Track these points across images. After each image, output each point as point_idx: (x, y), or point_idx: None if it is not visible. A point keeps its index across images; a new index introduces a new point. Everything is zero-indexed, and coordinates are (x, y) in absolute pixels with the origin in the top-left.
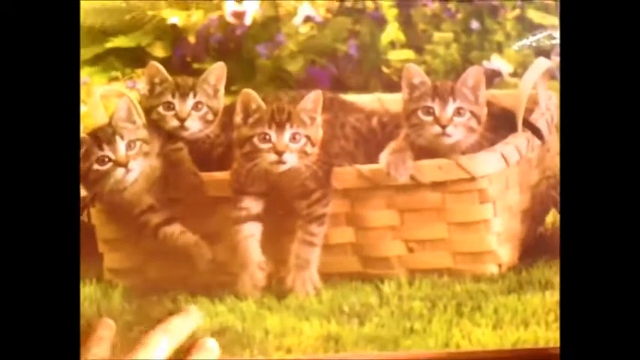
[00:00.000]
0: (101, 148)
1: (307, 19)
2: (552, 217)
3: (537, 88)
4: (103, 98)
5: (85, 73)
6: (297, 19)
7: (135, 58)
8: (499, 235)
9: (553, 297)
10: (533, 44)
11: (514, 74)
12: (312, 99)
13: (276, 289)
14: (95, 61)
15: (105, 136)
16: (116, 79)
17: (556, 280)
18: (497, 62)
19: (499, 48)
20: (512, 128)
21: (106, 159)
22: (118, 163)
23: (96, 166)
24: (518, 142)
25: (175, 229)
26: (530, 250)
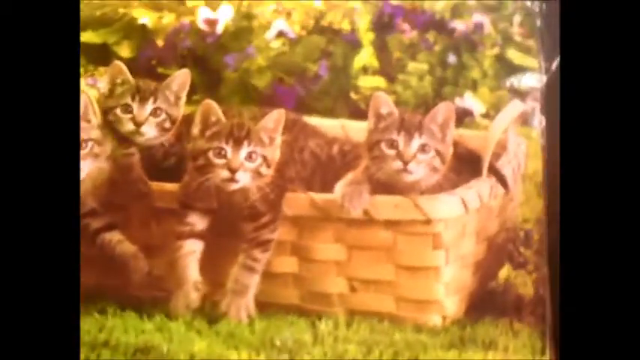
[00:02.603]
0: None
1: (280, 34)
2: (506, 273)
3: (508, 132)
4: None
5: None
6: (270, 33)
7: (100, 56)
8: (447, 285)
9: (496, 357)
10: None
11: (486, 115)
12: (274, 118)
13: (209, 312)
14: None
15: None
16: None
17: (501, 340)
18: (469, 100)
19: (474, 85)
20: (476, 172)
21: None
22: None
23: None
24: (481, 187)
25: (114, 236)
26: (478, 305)
